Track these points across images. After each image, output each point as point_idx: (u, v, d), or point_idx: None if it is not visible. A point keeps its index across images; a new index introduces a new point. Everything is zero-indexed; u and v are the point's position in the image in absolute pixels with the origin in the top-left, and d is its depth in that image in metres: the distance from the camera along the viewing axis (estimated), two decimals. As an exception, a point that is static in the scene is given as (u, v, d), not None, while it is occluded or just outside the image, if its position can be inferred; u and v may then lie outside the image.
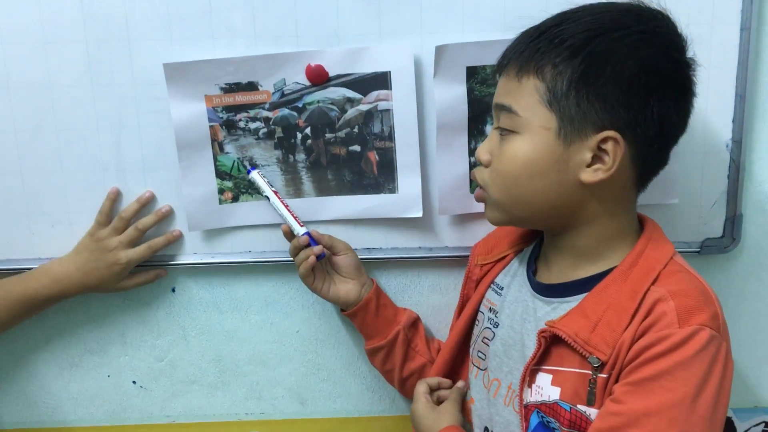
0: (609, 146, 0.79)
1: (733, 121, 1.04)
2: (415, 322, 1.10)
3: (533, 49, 0.81)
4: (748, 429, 1.18)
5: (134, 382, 1.18)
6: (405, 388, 1.11)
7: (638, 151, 0.81)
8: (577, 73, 0.78)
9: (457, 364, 1.03)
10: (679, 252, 1.05)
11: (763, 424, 1.18)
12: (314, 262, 1.02)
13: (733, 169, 1.06)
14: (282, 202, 1.05)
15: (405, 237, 1.10)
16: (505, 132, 0.84)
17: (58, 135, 1.06)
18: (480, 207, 1.06)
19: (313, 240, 1.04)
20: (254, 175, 1.05)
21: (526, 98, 0.81)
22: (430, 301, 1.14)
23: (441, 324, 1.15)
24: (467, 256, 1.09)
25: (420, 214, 1.07)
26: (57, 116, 1.05)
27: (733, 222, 1.08)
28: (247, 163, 1.06)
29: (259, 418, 1.19)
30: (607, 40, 0.78)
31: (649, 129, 0.80)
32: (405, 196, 1.07)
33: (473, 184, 1.07)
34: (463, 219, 1.09)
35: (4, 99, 1.04)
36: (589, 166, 0.80)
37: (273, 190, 1.05)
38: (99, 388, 1.18)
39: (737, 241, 1.09)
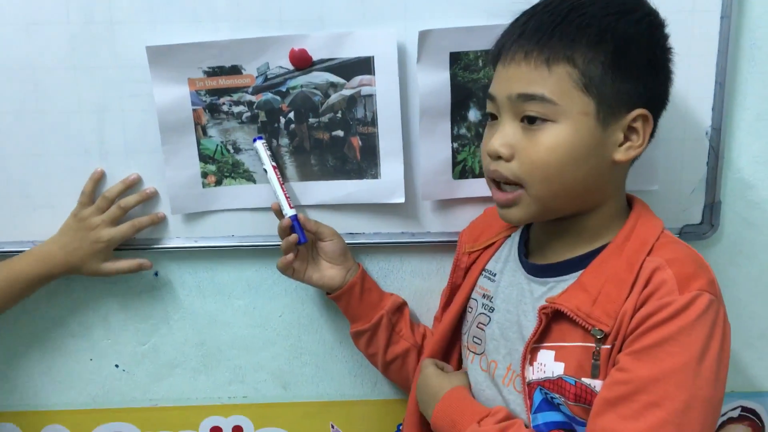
0: (638, 124, 0.82)
1: (712, 109, 1.05)
2: (400, 307, 1.11)
3: (560, 35, 0.81)
4: (725, 413, 1.19)
5: (117, 365, 1.18)
6: (389, 372, 1.11)
7: (653, 128, 0.84)
8: (609, 56, 0.80)
9: (448, 353, 1.03)
10: (658, 238, 1.08)
11: (740, 408, 1.20)
12: (291, 260, 1.03)
13: (713, 156, 1.07)
14: (278, 178, 1.05)
15: (388, 222, 1.11)
16: (537, 122, 0.82)
17: (41, 118, 1.05)
18: (463, 191, 1.08)
19: (298, 224, 1.04)
20: (258, 144, 1.05)
21: (559, 85, 0.81)
22: (413, 286, 1.15)
23: (423, 309, 1.15)
24: (450, 242, 1.10)
25: (402, 200, 1.08)
26: (39, 99, 1.05)
27: (712, 209, 1.09)
28: (231, 147, 1.06)
29: (242, 402, 1.19)
30: (630, 21, 0.81)
31: (661, 105, 0.86)
32: (388, 182, 1.07)
33: (456, 169, 1.07)
34: (446, 204, 1.10)
35: (-15, 81, 1.04)
36: (621, 145, 0.83)
37: (273, 165, 1.05)
38: (81, 372, 1.18)
39: (716, 227, 1.10)
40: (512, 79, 0.83)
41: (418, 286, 1.15)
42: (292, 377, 1.19)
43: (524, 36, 0.83)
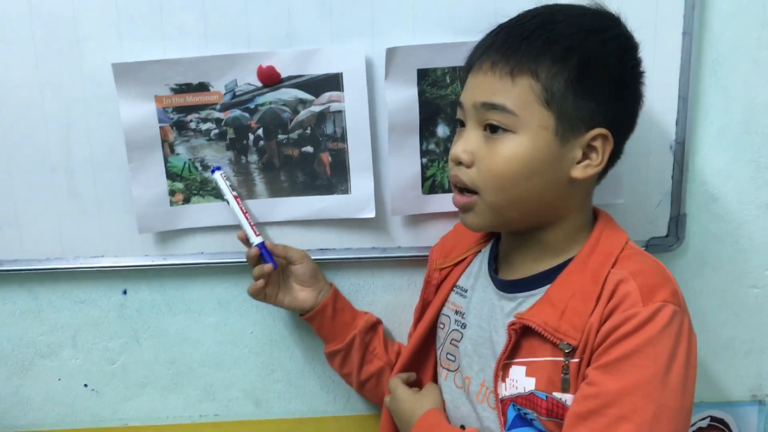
0: (598, 143, 0.82)
1: (676, 123, 1.07)
2: (374, 326, 1.10)
3: (526, 48, 0.82)
4: (694, 423, 1.21)
5: (86, 385, 1.16)
6: (364, 390, 1.11)
7: (616, 147, 0.85)
8: (573, 73, 0.81)
9: (419, 369, 1.03)
10: (625, 251, 1.09)
11: (709, 418, 1.21)
12: (262, 285, 1.03)
13: (677, 169, 1.08)
14: (241, 208, 1.05)
15: (358, 237, 1.11)
16: (497, 131, 0.83)
17: (5, 135, 1.04)
18: (433, 206, 1.08)
19: (266, 251, 1.04)
20: (217, 176, 1.05)
21: (521, 97, 0.82)
22: (384, 301, 1.15)
23: (395, 324, 1.15)
24: (420, 256, 1.10)
25: (373, 215, 1.08)
26: (4, 116, 1.04)
27: (677, 221, 1.11)
28: (199, 165, 1.06)
29: (214, 420, 1.18)
30: (599, 40, 0.82)
31: (625, 127, 0.86)
32: (358, 197, 1.08)
33: (426, 184, 1.08)
34: (416, 219, 1.10)
35: (-52, 99, 1.03)
36: (579, 162, 0.83)
37: (234, 195, 1.05)
38: (50, 392, 1.16)
39: (681, 240, 1.12)
40: (479, 88, 0.85)
41: (390, 301, 1.15)
42: (264, 394, 1.18)
43: (493, 47, 0.85)
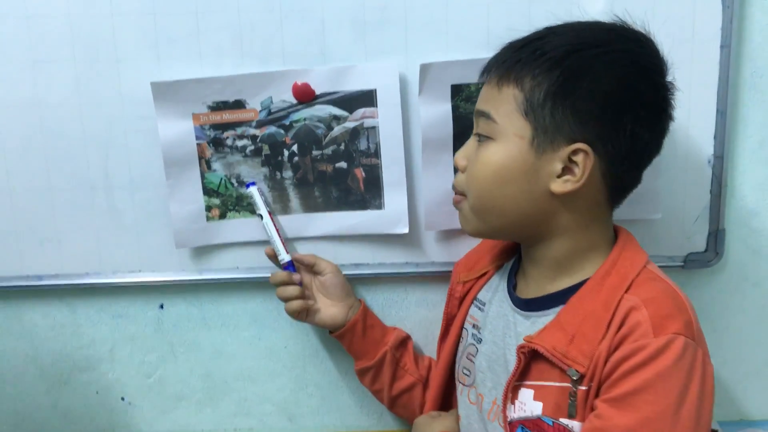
0: (579, 158, 0.80)
1: (714, 137, 1.05)
2: (404, 341, 1.10)
3: (515, 59, 0.82)
4: (734, 441, 1.19)
5: (123, 398, 1.18)
6: (395, 407, 1.11)
7: (609, 167, 0.82)
8: (554, 85, 0.80)
9: (451, 385, 1.02)
10: (663, 266, 1.07)
11: (749, 437, 1.19)
12: (302, 306, 1.04)
13: (715, 184, 1.07)
14: (274, 223, 1.06)
15: (392, 253, 1.11)
16: (482, 138, 0.85)
17: (47, 153, 1.07)
18: (466, 223, 1.08)
19: (293, 268, 1.06)
20: (252, 190, 1.06)
21: (504, 106, 0.83)
22: (417, 317, 1.15)
23: (428, 339, 1.15)
24: (453, 272, 1.10)
25: (406, 230, 1.08)
26: (45, 135, 1.06)
27: (716, 236, 1.09)
28: (234, 182, 1.07)
29: (248, 434, 1.20)
30: (587, 55, 0.80)
31: (620, 146, 0.81)
32: (391, 213, 1.08)
33: (458, 199, 1.08)
34: (449, 234, 1.10)
35: (-8, 118, 1.05)
36: (559, 176, 0.81)
37: (268, 210, 1.06)
38: (88, 405, 1.18)
39: (720, 255, 1.10)
40: (480, 97, 0.88)
41: (423, 316, 1.15)
42: (298, 409, 1.19)
43: (494, 58, 0.87)
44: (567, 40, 0.82)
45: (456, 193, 0.91)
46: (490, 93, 0.85)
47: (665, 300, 0.79)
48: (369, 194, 1.08)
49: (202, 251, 1.11)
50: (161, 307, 1.15)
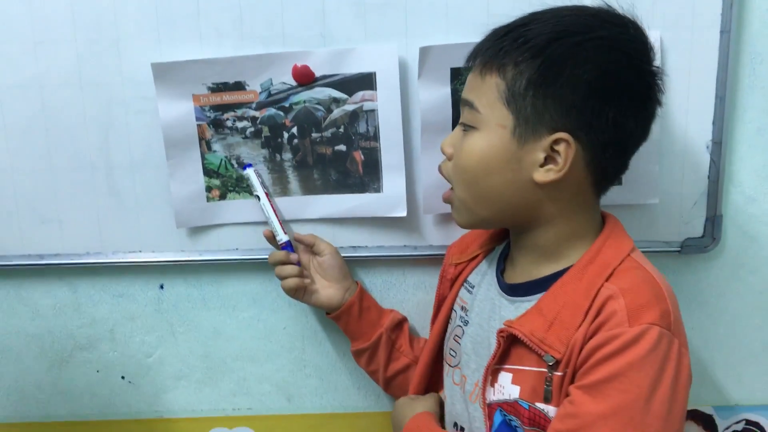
0: (561, 147, 0.80)
1: (713, 123, 1.05)
2: (399, 323, 1.11)
3: (497, 47, 0.82)
4: (729, 426, 1.19)
5: (123, 377, 1.19)
6: (390, 387, 1.12)
7: (593, 156, 0.81)
8: (536, 73, 0.79)
9: (439, 364, 1.04)
10: (659, 252, 1.09)
11: (744, 422, 1.20)
12: (298, 284, 1.05)
13: (714, 170, 1.07)
14: (272, 204, 1.07)
15: (390, 236, 1.12)
16: (467, 127, 0.86)
17: (48, 134, 1.07)
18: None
19: (291, 248, 1.07)
20: (249, 172, 1.07)
21: (487, 95, 0.83)
22: (415, 299, 1.16)
23: (426, 321, 1.15)
24: (451, 255, 1.11)
25: (404, 214, 1.08)
26: (47, 115, 1.07)
27: (714, 222, 1.09)
28: (234, 163, 1.08)
29: (247, 414, 1.20)
30: (568, 43, 0.79)
31: (603, 134, 0.80)
32: (390, 196, 1.08)
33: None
34: (447, 218, 1.10)
35: (-6, 98, 1.06)
36: (542, 166, 0.81)
37: (265, 192, 1.07)
38: (88, 384, 1.19)
39: (717, 240, 1.10)
40: (465, 86, 0.88)
41: (421, 299, 1.16)
42: (296, 389, 1.20)
43: (479, 45, 0.86)
44: (549, 27, 0.80)
45: (448, 188, 0.92)
46: (474, 81, 0.85)
47: (643, 289, 0.79)
48: (368, 177, 1.08)
49: (202, 232, 1.11)
50: (161, 287, 1.15)
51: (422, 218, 1.11)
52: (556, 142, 0.80)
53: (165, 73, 1.03)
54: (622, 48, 0.81)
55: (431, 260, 1.13)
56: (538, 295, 0.85)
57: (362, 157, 1.07)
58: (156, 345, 1.18)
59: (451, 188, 0.90)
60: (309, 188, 1.09)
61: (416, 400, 1.01)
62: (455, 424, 0.95)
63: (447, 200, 0.93)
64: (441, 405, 1.01)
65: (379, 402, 1.20)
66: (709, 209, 1.09)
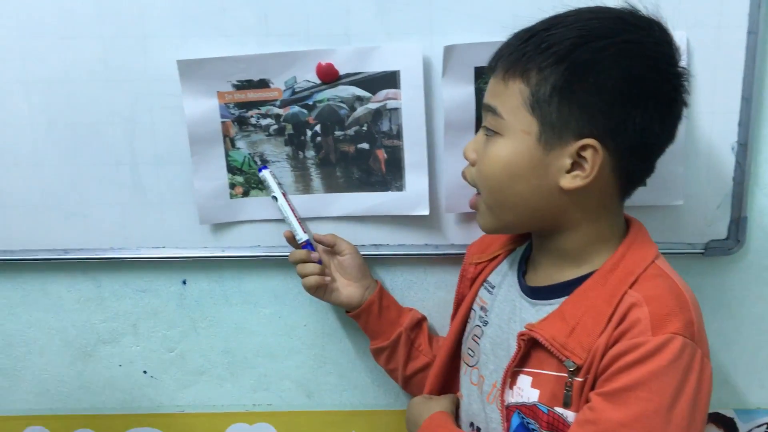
0: (588, 154, 0.79)
1: (739, 124, 1.04)
2: (419, 323, 1.12)
3: (520, 52, 0.81)
4: (750, 429, 1.18)
5: (145, 371, 1.20)
6: (409, 386, 1.13)
7: (619, 161, 0.81)
8: (560, 80, 0.78)
9: (456, 363, 1.04)
10: (683, 253, 1.08)
11: (766, 426, 1.19)
12: (319, 282, 1.05)
13: (739, 171, 1.06)
14: (289, 204, 1.07)
15: (412, 234, 1.12)
16: (490, 133, 0.85)
17: (73, 129, 1.08)
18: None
19: (311, 247, 1.07)
20: (265, 174, 1.07)
21: (510, 101, 0.82)
22: (436, 298, 1.16)
23: (446, 320, 1.15)
24: (472, 254, 1.11)
25: (427, 212, 1.09)
26: (72, 110, 1.07)
27: (738, 224, 1.08)
28: (258, 160, 1.08)
29: (267, 410, 1.21)
30: (593, 48, 0.78)
31: (630, 139, 0.80)
32: (412, 194, 1.08)
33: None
34: (469, 217, 1.10)
35: (20, 93, 1.07)
36: (568, 172, 0.81)
37: (282, 192, 1.07)
38: (111, 378, 1.21)
39: (741, 243, 1.09)
40: (487, 90, 0.87)
41: (442, 298, 1.16)
42: (317, 386, 1.20)
43: (501, 50, 0.86)
44: (573, 31, 0.79)
45: (474, 193, 0.91)
46: (496, 87, 0.84)
47: (667, 298, 0.79)
48: (390, 175, 1.08)
49: (224, 228, 1.12)
50: (184, 282, 1.16)
51: (444, 217, 1.11)
52: (583, 148, 0.79)
53: (190, 70, 1.04)
54: (647, 51, 0.80)
55: (452, 259, 1.13)
56: (560, 299, 0.85)
57: (385, 155, 1.08)
58: (178, 340, 1.19)
59: (477, 193, 0.90)
60: (331, 186, 1.09)
61: (432, 399, 1.01)
62: (471, 424, 0.95)
63: (473, 206, 0.92)
64: (456, 405, 1.01)
65: (398, 400, 1.20)
66: (734, 211, 1.08)
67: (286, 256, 1.11)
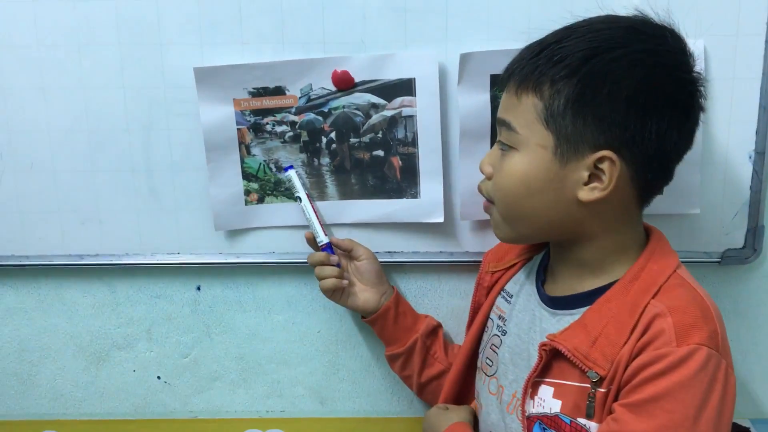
0: (605, 166, 0.79)
1: (756, 133, 1.04)
2: (434, 330, 1.11)
3: (533, 66, 0.81)
4: (770, 439, 1.18)
5: (159, 377, 1.20)
6: (423, 394, 1.12)
7: (637, 170, 0.80)
8: (574, 92, 0.78)
9: (472, 372, 1.03)
10: (699, 262, 1.08)
11: (783, 436, 1.18)
12: (337, 285, 1.05)
13: (756, 180, 1.06)
14: (312, 206, 1.07)
15: (426, 242, 1.12)
16: (505, 147, 0.85)
17: (90, 135, 1.09)
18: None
19: (331, 250, 1.07)
20: (291, 173, 1.07)
21: (524, 115, 0.82)
22: (450, 305, 1.16)
23: (460, 328, 1.16)
24: (486, 262, 1.11)
25: (441, 220, 1.08)
26: (89, 117, 1.08)
27: (755, 233, 1.08)
28: (273, 166, 1.08)
29: (280, 416, 1.21)
30: (605, 59, 0.77)
31: (647, 148, 0.79)
32: (427, 202, 1.08)
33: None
34: (484, 225, 1.10)
35: (39, 99, 1.07)
36: (586, 184, 0.80)
37: (306, 193, 1.07)
38: (124, 383, 1.21)
39: (758, 252, 1.09)
40: (501, 105, 0.87)
41: (456, 306, 1.15)
42: (330, 393, 1.20)
43: (511, 64, 0.85)
44: (585, 43, 0.79)
45: (485, 199, 0.91)
46: (509, 101, 0.84)
47: (691, 308, 0.78)
48: (405, 183, 1.08)
49: (239, 235, 1.12)
50: (198, 288, 1.17)
51: (459, 225, 1.11)
52: (600, 160, 0.79)
53: (207, 78, 1.04)
54: (661, 60, 0.79)
55: (467, 267, 1.13)
56: (581, 309, 0.84)
57: (400, 162, 1.08)
58: (192, 346, 1.19)
59: (490, 201, 0.90)
60: (346, 193, 1.09)
61: (450, 410, 1.01)
62: None
63: (487, 211, 0.92)
64: (474, 416, 1.00)
65: (411, 407, 1.20)
66: (751, 220, 1.08)
67: (301, 263, 1.11)
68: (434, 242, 1.12)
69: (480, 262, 1.11)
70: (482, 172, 0.89)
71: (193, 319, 1.18)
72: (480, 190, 0.92)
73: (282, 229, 1.12)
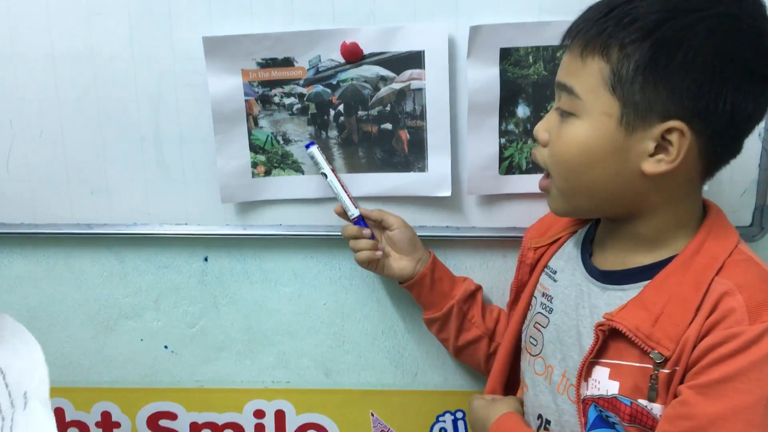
0: (674, 137, 0.74)
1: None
2: (473, 294, 1.09)
3: (600, 27, 0.75)
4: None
5: (166, 347, 1.22)
6: (460, 356, 1.12)
7: (707, 142, 0.76)
8: (645, 57, 0.73)
9: (519, 354, 1.00)
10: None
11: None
12: (371, 257, 1.05)
13: (765, 158, 1.05)
14: (339, 180, 1.07)
15: (433, 216, 1.12)
16: (564, 114, 0.80)
17: (99, 105, 1.09)
18: (509, 187, 1.08)
19: (363, 222, 1.07)
20: (313, 150, 1.07)
21: (589, 80, 0.77)
22: (457, 280, 1.16)
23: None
24: (494, 237, 1.11)
25: (449, 194, 1.08)
26: (98, 87, 1.08)
27: (763, 211, 1.07)
28: (280, 138, 1.08)
29: (285, 387, 1.22)
30: (681, 23, 0.72)
31: (719, 120, 0.74)
32: (434, 176, 1.08)
33: (503, 165, 1.08)
34: (491, 200, 1.10)
35: (48, 70, 1.08)
36: (652, 156, 0.76)
37: (331, 168, 1.07)
38: (132, 352, 1.22)
39: (766, 230, 1.08)
40: (562, 67, 0.82)
41: (461, 280, 1.16)
42: (335, 365, 1.21)
43: (575, 24, 0.80)
44: (659, 4, 0.73)
45: (546, 174, 0.86)
46: (572, 64, 0.79)
47: (760, 285, 0.75)
48: (413, 156, 1.08)
49: (246, 207, 1.13)
50: (205, 259, 1.17)
51: (466, 199, 1.11)
52: (669, 131, 0.74)
53: (216, 48, 1.04)
54: (740, 26, 0.74)
55: (473, 242, 1.13)
56: (636, 285, 0.81)
57: (408, 136, 1.07)
58: (199, 316, 1.20)
59: (547, 175, 0.86)
60: (354, 166, 1.09)
61: (497, 400, 0.97)
62: (539, 416, 0.90)
63: (544, 188, 0.87)
64: (521, 403, 0.97)
65: (416, 380, 1.21)
66: (759, 198, 1.07)
67: (307, 235, 1.12)
68: (441, 216, 1.12)
69: (487, 237, 1.11)
70: (537, 139, 0.85)
71: (200, 290, 1.18)
72: (534, 158, 0.87)
73: (289, 201, 1.12)
